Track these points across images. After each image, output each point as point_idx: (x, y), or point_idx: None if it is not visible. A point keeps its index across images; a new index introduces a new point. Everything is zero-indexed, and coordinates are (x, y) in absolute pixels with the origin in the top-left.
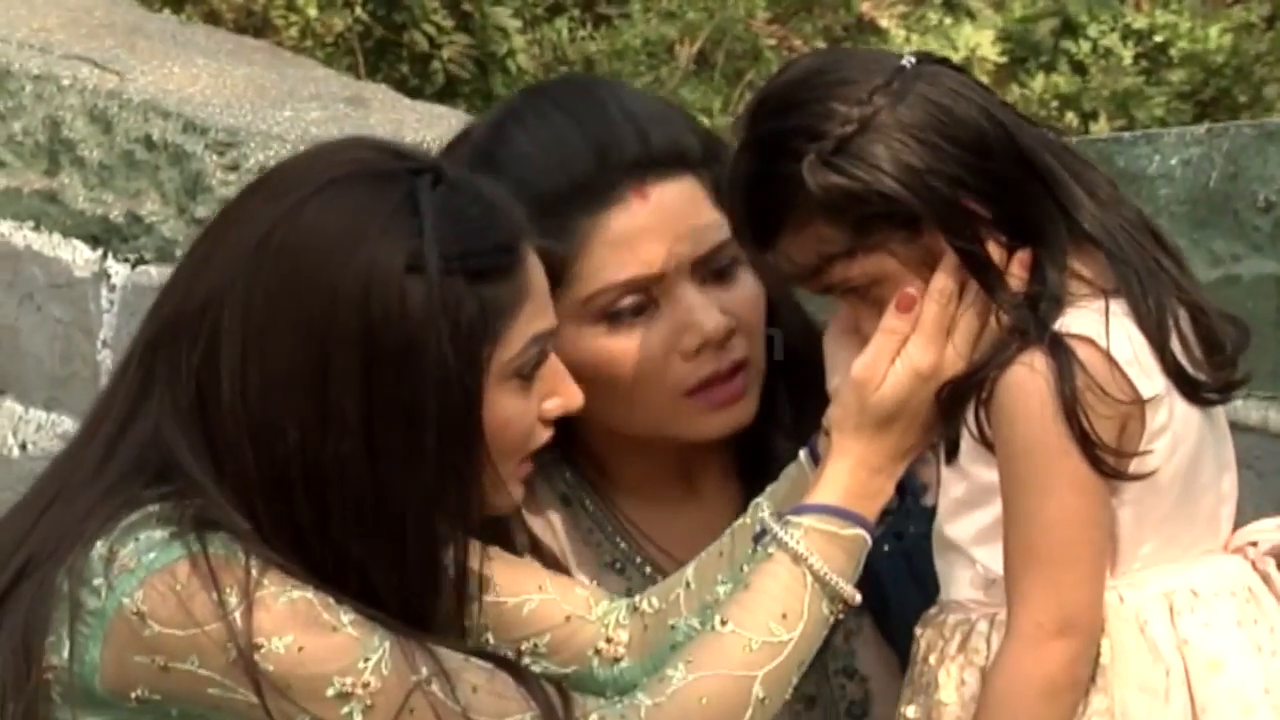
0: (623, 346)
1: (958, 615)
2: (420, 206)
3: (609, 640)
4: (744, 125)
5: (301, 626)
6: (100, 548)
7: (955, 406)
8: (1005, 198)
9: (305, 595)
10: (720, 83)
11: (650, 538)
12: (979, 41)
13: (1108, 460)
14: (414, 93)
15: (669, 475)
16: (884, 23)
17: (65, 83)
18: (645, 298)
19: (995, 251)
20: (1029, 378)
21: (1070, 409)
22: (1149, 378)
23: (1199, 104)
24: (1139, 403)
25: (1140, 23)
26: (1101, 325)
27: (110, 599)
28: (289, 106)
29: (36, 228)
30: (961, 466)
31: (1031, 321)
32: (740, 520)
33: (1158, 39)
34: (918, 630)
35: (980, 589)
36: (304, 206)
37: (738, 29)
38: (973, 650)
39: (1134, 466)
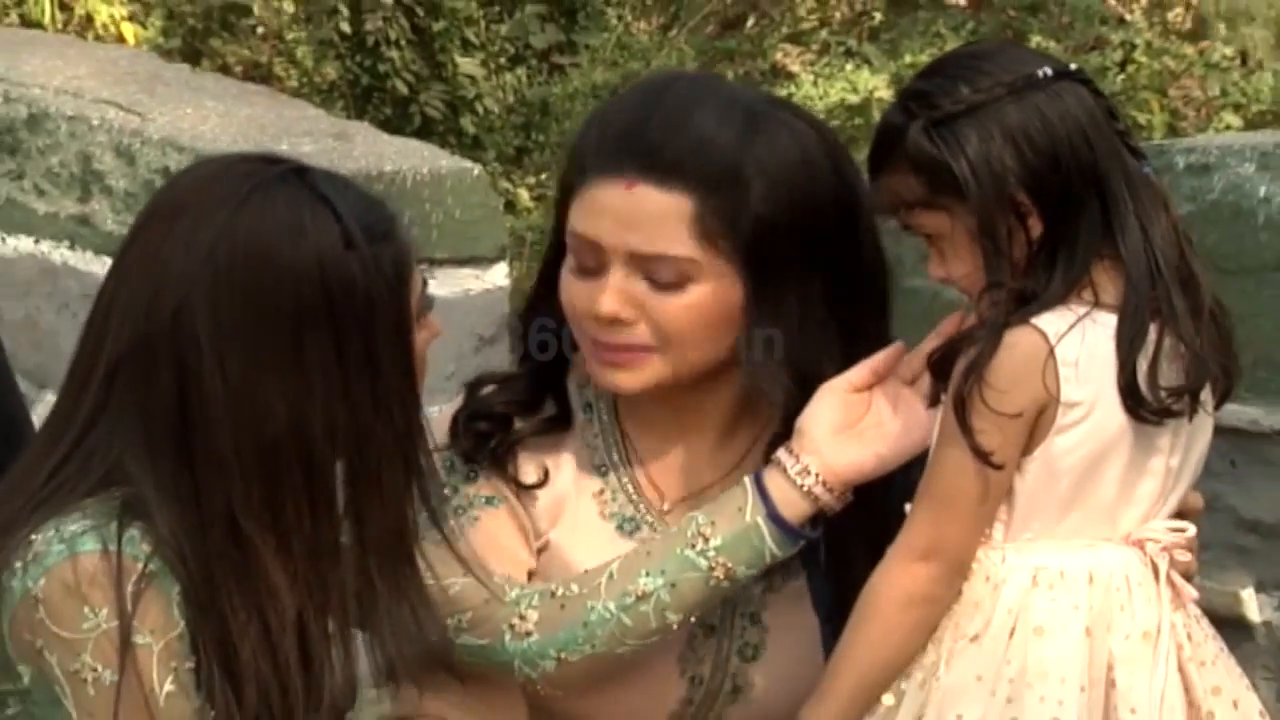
0: (571, 287)
1: None
2: (326, 196)
3: (521, 618)
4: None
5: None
6: (28, 536)
7: (940, 361)
8: (1057, 206)
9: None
10: None
11: (639, 458)
12: (875, 85)
13: (982, 451)
14: (395, 131)
15: (673, 428)
16: (794, 69)
17: (95, 123)
18: (598, 262)
19: (1019, 248)
20: (967, 358)
21: (964, 404)
22: (1078, 383)
23: None
24: (1035, 407)
25: None
26: (1065, 326)
27: (22, 581)
28: (285, 141)
29: (71, 246)
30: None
31: (997, 319)
32: (675, 528)
33: None
34: None
35: None
36: (239, 217)
37: None
38: None
39: (1038, 449)
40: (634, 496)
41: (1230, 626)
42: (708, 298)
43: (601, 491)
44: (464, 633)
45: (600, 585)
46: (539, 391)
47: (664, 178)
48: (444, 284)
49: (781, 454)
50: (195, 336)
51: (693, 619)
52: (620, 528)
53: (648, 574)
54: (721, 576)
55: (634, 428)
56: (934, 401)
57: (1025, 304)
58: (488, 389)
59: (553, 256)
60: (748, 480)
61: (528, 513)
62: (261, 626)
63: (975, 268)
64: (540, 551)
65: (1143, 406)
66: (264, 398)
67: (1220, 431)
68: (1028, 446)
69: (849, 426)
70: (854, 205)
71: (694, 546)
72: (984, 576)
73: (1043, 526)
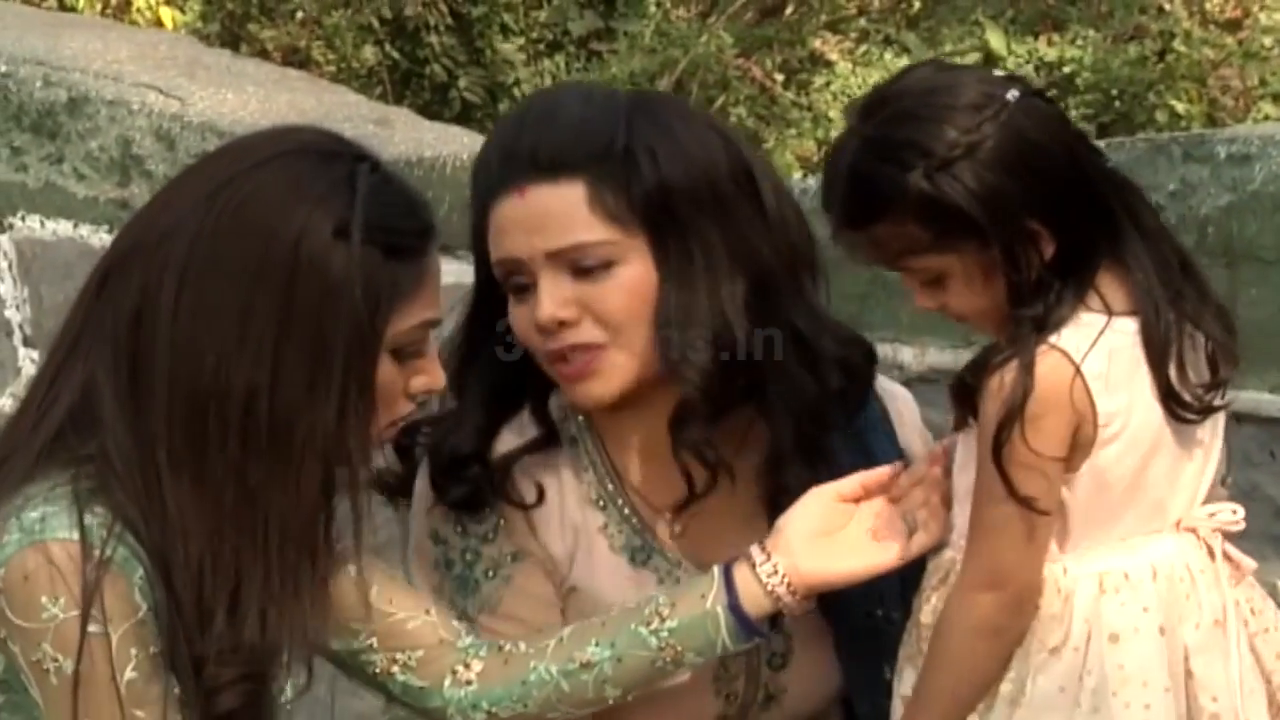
0: (514, 315)
1: (950, 554)
2: (356, 185)
3: (465, 665)
4: (858, 118)
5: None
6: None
7: (962, 386)
8: (1066, 226)
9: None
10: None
11: (632, 484)
12: None
13: (1025, 498)
14: (434, 117)
15: (651, 439)
16: (833, 57)
17: (135, 107)
18: (527, 278)
19: (1034, 270)
20: (998, 387)
21: (1003, 435)
22: (1110, 393)
23: (1101, 125)
24: (1079, 420)
25: (1051, 55)
26: (1087, 343)
27: None
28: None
29: (111, 230)
30: (968, 430)
31: (1023, 341)
32: (633, 604)
33: (1066, 69)
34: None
35: (964, 537)
36: (257, 169)
37: (709, 62)
38: (951, 586)
39: (1084, 465)
40: (637, 526)
41: None
42: (636, 275)
43: (605, 526)
44: (410, 671)
45: (548, 647)
46: (496, 420)
47: (551, 172)
48: None
49: (754, 549)
50: (167, 262)
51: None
52: (632, 559)
53: (597, 644)
54: (669, 659)
55: (620, 456)
56: (958, 426)
57: (1041, 325)
58: (454, 439)
59: (477, 310)
60: (716, 569)
61: (550, 556)
62: (175, 556)
63: (989, 300)
64: (567, 595)
65: (1185, 408)
66: (201, 344)
67: (1260, 421)
68: (1073, 464)
69: (826, 534)
70: (747, 163)
71: (648, 624)
72: (1055, 589)
73: (1100, 534)
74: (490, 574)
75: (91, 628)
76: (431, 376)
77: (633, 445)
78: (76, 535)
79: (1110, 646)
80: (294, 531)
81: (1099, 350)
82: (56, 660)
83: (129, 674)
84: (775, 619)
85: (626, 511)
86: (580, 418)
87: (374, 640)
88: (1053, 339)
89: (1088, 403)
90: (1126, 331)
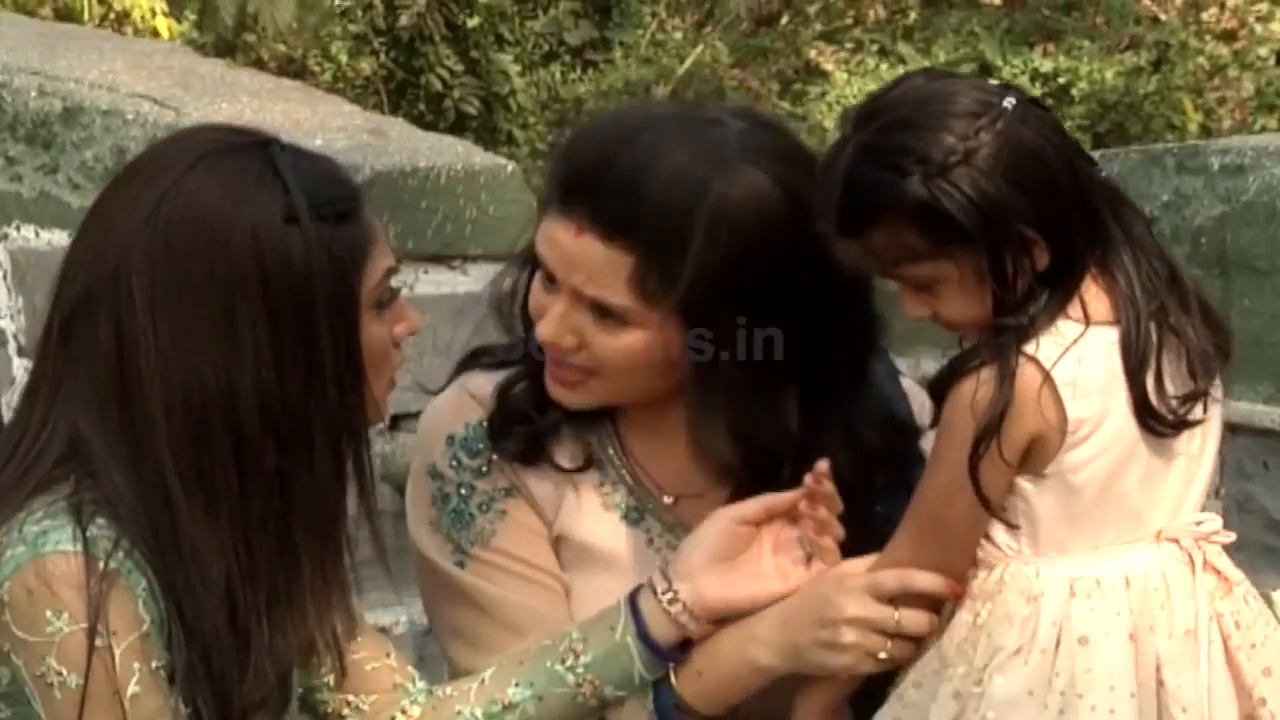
0: (534, 296)
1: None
2: (280, 169)
3: (404, 712)
4: (853, 125)
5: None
6: None
7: (939, 383)
8: (1058, 233)
9: (132, 641)
10: None
11: (635, 455)
12: None
13: (993, 506)
14: (429, 127)
15: (655, 427)
16: (828, 67)
17: (129, 117)
18: (555, 283)
19: (1024, 280)
20: (966, 390)
21: (981, 447)
22: (1080, 400)
23: (1096, 135)
24: (1054, 428)
25: (1046, 66)
26: (1059, 351)
27: None
28: (320, 137)
29: None
30: None
31: (1002, 350)
32: (548, 641)
33: (1061, 80)
34: None
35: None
36: (183, 181)
37: (705, 72)
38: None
39: (1049, 468)
40: (634, 488)
41: None
42: (645, 342)
43: (601, 484)
44: (360, 714)
45: (471, 690)
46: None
47: (610, 233)
48: (477, 279)
49: (655, 577)
50: (131, 295)
51: None
52: (625, 517)
53: (517, 684)
54: (589, 694)
55: (624, 425)
56: (934, 424)
57: (1023, 335)
58: (516, 389)
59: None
60: (622, 599)
61: (535, 499)
62: (189, 587)
63: (982, 308)
64: (556, 544)
65: (1158, 420)
66: (194, 363)
67: (1253, 433)
68: (1038, 468)
69: (727, 559)
70: (822, 254)
71: (564, 661)
72: (1018, 590)
73: (1072, 540)
74: (484, 507)
75: (97, 641)
76: (408, 319)
77: (640, 426)
78: (79, 548)
79: (1080, 650)
80: (320, 521)
81: (1069, 357)
82: (60, 674)
83: (132, 688)
84: (685, 642)
85: (624, 473)
86: (609, 427)
87: (332, 678)
88: (1029, 349)
89: (1055, 409)
90: (1105, 341)
